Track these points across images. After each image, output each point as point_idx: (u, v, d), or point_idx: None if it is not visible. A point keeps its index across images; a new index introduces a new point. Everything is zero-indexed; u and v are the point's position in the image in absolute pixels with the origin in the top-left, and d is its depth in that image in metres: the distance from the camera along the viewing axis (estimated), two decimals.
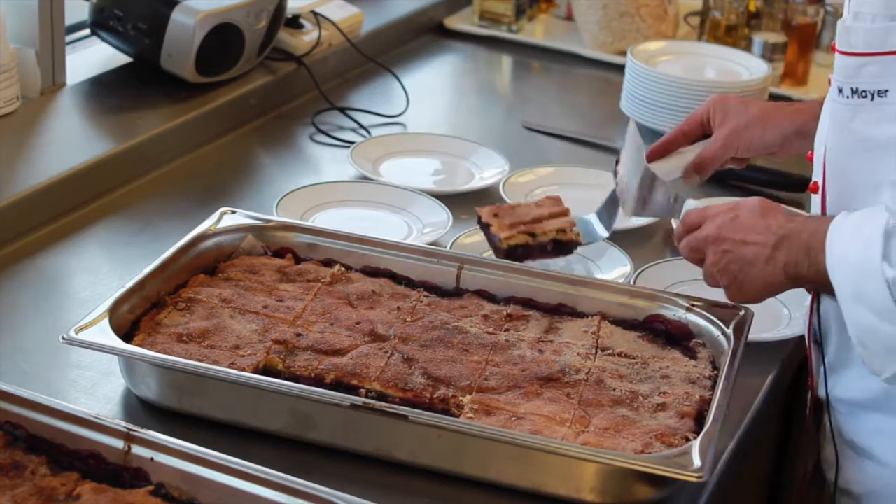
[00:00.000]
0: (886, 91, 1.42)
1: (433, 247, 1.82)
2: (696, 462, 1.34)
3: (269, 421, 1.47)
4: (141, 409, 1.51)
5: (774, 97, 2.61)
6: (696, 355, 1.60)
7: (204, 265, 1.72)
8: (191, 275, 1.69)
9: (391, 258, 1.74)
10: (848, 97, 1.46)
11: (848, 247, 1.43)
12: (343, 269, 1.74)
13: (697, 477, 1.33)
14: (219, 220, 1.77)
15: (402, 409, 1.42)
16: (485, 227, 1.87)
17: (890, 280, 1.38)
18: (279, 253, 1.77)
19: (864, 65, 1.43)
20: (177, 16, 2.24)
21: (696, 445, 1.37)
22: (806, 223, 1.51)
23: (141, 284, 1.61)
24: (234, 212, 1.80)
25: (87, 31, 2.39)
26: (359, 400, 1.43)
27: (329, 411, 1.44)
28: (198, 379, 1.48)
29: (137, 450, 1.31)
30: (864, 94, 1.44)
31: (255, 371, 1.50)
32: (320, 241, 1.77)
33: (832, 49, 1.50)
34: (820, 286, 1.52)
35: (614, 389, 1.51)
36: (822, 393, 1.63)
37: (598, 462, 1.38)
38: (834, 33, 2.88)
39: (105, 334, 1.49)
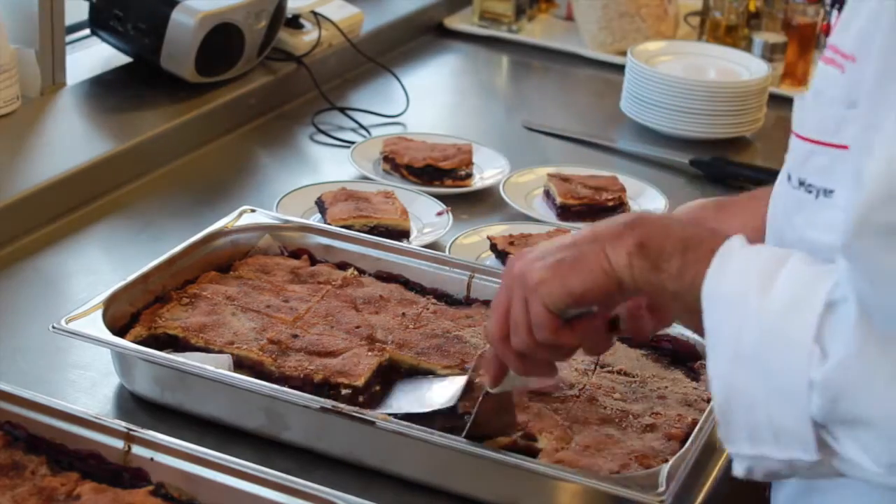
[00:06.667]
0: (832, 191, 1.14)
1: (446, 255, 1.81)
2: (662, 485, 1.31)
3: (247, 419, 1.47)
4: (141, 409, 1.51)
5: (774, 97, 2.61)
6: (698, 377, 1.56)
7: (218, 262, 1.72)
8: (202, 271, 1.69)
9: (405, 264, 1.74)
10: (795, 187, 1.20)
11: (756, 284, 1.09)
12: (356, 272, 1.73)
13: (659, 501, 1.29)
14: (237, 218, 1.78)
15: (370, 415, 1.40)
16: (502, 254, 1.86)
17: (813, 379, 1.04)
18: (296, 254, 1.77)
19: (812, 153, 1.17)
20: (177, 16, 2.24)
21: (665, 468, 1.34)
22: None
23: (144, 278, 1.61)
24: (253, 210, 1.80)
25: (87, 31, 2.39)
26: (328, 403, 1.41)
27: (300, 413, 1.43)
28: (177, 373, 1.47)
29: (137, 450, 1.31)
30: (809, 188, 1.18)
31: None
32: (336, 244, 1.77)
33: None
34: (676, 303, 1.17)
35: (605, 407, 1.48)
36: (767, 493, 1.38)
37: (560, 480, 1.35)
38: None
39: (94, 325, 1.49)
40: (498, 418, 1.40)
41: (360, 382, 1.49)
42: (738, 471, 1.15)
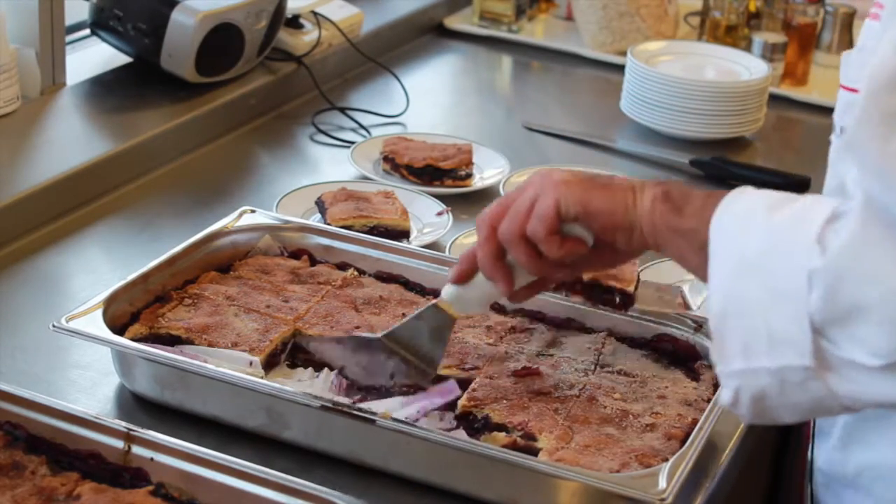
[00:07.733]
0: None
1: (446, 255, 1.81)
2: (662, 484, 1.31)
3: (248, 418, 1.47)
4: (141, 409, 1.51)
5: (774, 97, 2.61)
6: (699, 377, 1.55)
7: (218, 263, 1.72)
8: (202, 271, 1.69)
9: (405, 264, 1.73)
10: (838, 135, 1.31)
11: (763, 207, 1.15)
12: (356, 273, 1.73)
13: (660, 500, 1.29)
14: (237, 218, 1.78)
15: (370, 413, 1.40)
16: None
17: (813, 269, 1.08)
18: (296, 254, 1.77)
19: (852, 102, 1.23)
20: (177, 16, 2.24)
21: (665, 467, 1.34)
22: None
23: (144, 278, 1.61)
24: (253, 211, 1.80)
25: (87, 31, 2.39)
26: (328, 401, 1.41)
27: (300, 411, 1.43)
28: (177, 372, 1.47)
29: (137, 450, 1.31)
30: None
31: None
32: (336, 244, 1.77)
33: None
34: (691, 242, 1.22)
35: (605, 407, 1.47)
36: (809, 455, 1.49)
37: (561, 478, 1.35)
38: (833, 33, 2.90)
39: (94, 324, 1.49)
40: (427, 339, 1.46)
41: (631, 288, 1.59)
42: (725, 397, 1.18)
